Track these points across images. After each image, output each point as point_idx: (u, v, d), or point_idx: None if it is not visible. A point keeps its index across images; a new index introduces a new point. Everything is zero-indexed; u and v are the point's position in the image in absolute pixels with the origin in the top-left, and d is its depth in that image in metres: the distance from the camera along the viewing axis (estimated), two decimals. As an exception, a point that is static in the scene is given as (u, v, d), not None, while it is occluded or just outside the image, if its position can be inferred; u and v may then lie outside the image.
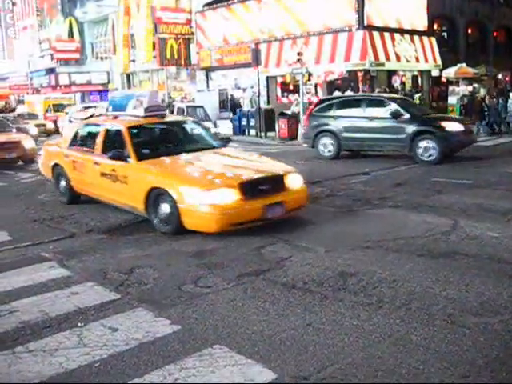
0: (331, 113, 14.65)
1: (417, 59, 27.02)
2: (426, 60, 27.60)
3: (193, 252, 6.09)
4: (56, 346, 3.86)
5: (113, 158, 7.72)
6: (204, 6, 31.36)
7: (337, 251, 5.89)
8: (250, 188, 6.75)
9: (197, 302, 4.59)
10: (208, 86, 31.85)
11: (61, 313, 4.47)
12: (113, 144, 8.11)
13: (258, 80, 23.86)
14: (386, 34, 25.31)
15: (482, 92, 27.88)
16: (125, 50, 37.40)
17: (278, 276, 5.19)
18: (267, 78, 28.34)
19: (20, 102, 41.39)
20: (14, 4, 52.75)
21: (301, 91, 21.33)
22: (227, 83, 30.98)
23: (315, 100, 25.17)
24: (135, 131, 8.25)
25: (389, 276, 5.06)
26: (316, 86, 26.93)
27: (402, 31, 26.25)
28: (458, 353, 3.60)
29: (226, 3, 29.87)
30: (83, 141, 9.25)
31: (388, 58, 25.12)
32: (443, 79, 28.29)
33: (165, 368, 3.51)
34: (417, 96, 25.11)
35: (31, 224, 7.96)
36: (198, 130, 9.21)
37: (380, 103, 14.06)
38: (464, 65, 26.66)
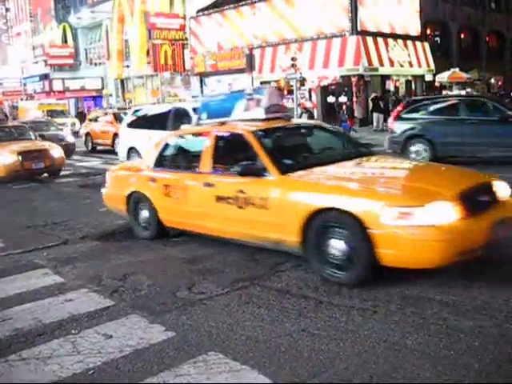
0: (424, 116, 13.28)
1: (410, 64, 27.23)
2: (420, 65, 27.82)
3: (187, 258, 6.07)
4: (49, 354, 3.83)
5: (244, 173, 5.67)
6: (198, 11, 31.50)
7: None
8: (471, 200, 4.91)
9: (191, 309, 4.57)
10: (202, 92, 31.94)
11: (54, 320, 4.44)
12: (230, 157, 6.28)
13: (252, 85, 23.90)
14: (380, 39, 25.50)
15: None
16: (119, 55, 37.50)
17: (272, 281, 5.18)
18: (261, 83, 28.43)
19: (14, 107, 41.34)
20: (7, 10, 52.77)
21: (295, 96, 21.38)
22: (221, 88, 31.06)
23: (309, 105, 25.35)
24: (264, 138, 6.15)
25: (383, 281, 5.05)
26: (310, 91, 27.03)
27: (395, 36, 26.47)
28: (453, 357, 3.60)
29: (219, 9, 30.02)
30: (176, 158, 7.27)
31: (381, 63, 25.30)
32: (436, 84, 28.49)
33: (159, 375, 3.49)
34: None
35: (24, 231, 7.93)
36: (334, 135, 7.50)
37: (482, 105, 13.02)
38: (457, 69, 26.87)
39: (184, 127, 8.19)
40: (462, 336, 3.88)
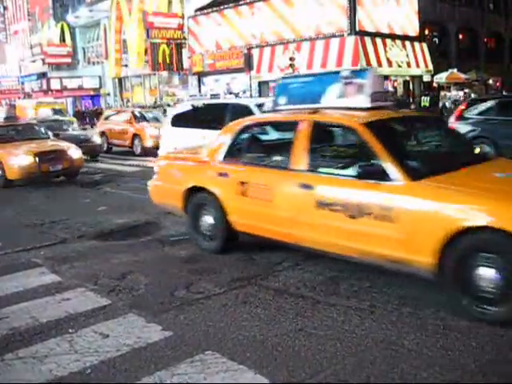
0: (487, 116, 12.46)
1: (408, 64, 27.23)
2: (418, 65, 27.82)
3: (185, 257, 6.06)
4: (46, 353, 3.83)
5: (364, 175, 4.66)
6: (196, 10, 31.47)
7: (328, 256, 5.86)
8: None
9: (189, 308, 4.57)
10: (200, 91, 31.89)
11: (51, 319, 4.43)
12: (332, 154, 5.57)
13: (251, 85, 23.89)
14: (378, 40, 25.50)
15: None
16: (117, 54, 37.46)
17: (269, 281, 5.18)
18: (259, 83, 28.42)
19: (12, 106, 41.25)
20: (5, 8, 52.66)
21: (293, 96, 21.35)
22: (220, 88, 31.05)
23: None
24: (381, 132, 4.95)
25: (381, 281, 5.06)
26: (308, 91, 26.99)
27: (393, 37, 26.46)
28: (450, 357, 3.61)
29: (218, 8, 29.98)
30: (255, 149, 6.13)
31: (380, 64, 25.29)
32: (434, 84, 28.50)
33: (156, 374, 3.49)
34: (425, 98, 25.14)
35: (22, 229, 7.91)
36: (449, 130, 6.83)
37: None
38: (455, 70, 26.88)
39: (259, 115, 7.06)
40: (459, 336, 3.90)
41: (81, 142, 15.42)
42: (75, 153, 12.74)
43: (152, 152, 15.31)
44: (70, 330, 4.19)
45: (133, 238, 7.13)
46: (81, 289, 5.15)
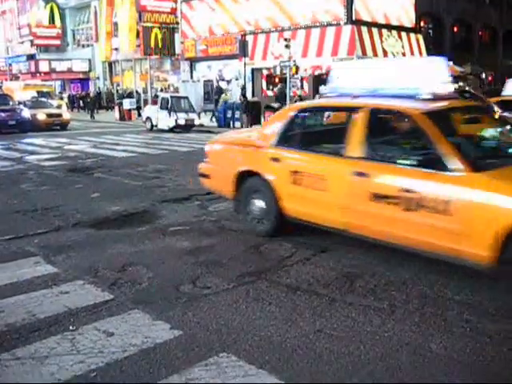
0: None
1: (403, 55, 26.95)
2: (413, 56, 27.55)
3: (188, 249, 5.75)
4: (46, 353, 3.51)
5: (423, 165, 4.62)
6: (190, -5, 30.86)
7: (339, 250, 5.62)
8: None
9: (197, 304, 4.27)
10: (192, 77, 31.43)
11: (50, 314, 4.10)
12: (388, 142, 5.38)
13: (245, 72, 23.48)
14: (374, 30, 25.22)
15: (468, 90, 27.94)
16: (107, 37, 36.72)
17: (280, 276, 4.90)
18: (252, 70, 28.00)
19: (-2, 88, 40.34)
20: (-8, -13, 51.49)
21: (288, 84, 21.02)
22: (211, 74, 30.60)
23: (300, 93, 24.97)
24: (441, 122, 4.86)
25: (397, 278, 4.82)
26: (302, 79, 26.65)
27: (389, 27, 26.17)
28: (482, 363, 3.38)
29: (212, -7, 29.42)
30: (309, 136, 6.19)
31: (375, 54, 25.01)
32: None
33: (168, 379, 3.20)
34: None
35: (13, 215, 7.52)
36: (499, 120, 6.13)
37: None
38: (451, 63, 26.60)
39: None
40: (488, 340, 3.67)
41: None
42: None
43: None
44: (71, 328, 3.87)
45: (130, 226, 6.81)
46: (79, 281, 4.82)
